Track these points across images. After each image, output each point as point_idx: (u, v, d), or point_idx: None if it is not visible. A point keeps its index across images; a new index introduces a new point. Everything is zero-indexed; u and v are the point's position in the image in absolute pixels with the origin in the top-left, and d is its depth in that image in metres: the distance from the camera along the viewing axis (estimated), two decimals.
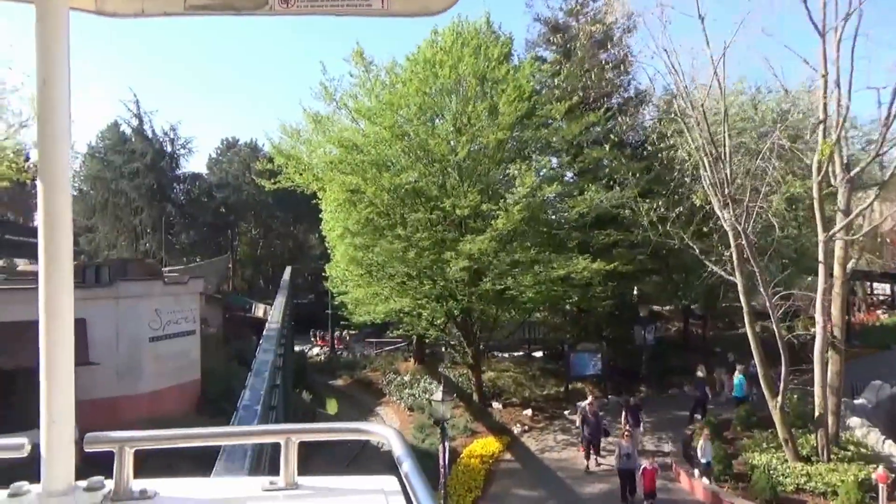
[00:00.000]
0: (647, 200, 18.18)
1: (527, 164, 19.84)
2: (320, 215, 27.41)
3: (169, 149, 52.82)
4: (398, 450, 1.53)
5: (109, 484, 1.54)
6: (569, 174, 25.22)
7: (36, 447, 1.48)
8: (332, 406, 24.01)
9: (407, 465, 1.45)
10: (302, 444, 1.73)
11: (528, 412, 23.42)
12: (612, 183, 22.25)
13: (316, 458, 15.97)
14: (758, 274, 15.24)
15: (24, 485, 1.47)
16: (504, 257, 19.73)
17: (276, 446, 1.75)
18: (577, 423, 19.04)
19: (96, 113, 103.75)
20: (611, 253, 22.49)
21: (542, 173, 21.32)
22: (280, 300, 37.56)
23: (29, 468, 1.49)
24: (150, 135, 51.57)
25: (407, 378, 29.24)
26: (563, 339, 26.62)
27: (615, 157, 22.57)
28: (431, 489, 1.36)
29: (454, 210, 20.21)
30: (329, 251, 28.27)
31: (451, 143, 21.19)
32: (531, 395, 25.69)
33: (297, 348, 42.26)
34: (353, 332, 36.53)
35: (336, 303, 27.44)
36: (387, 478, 1.72)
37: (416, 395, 26.38)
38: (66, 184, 1.46)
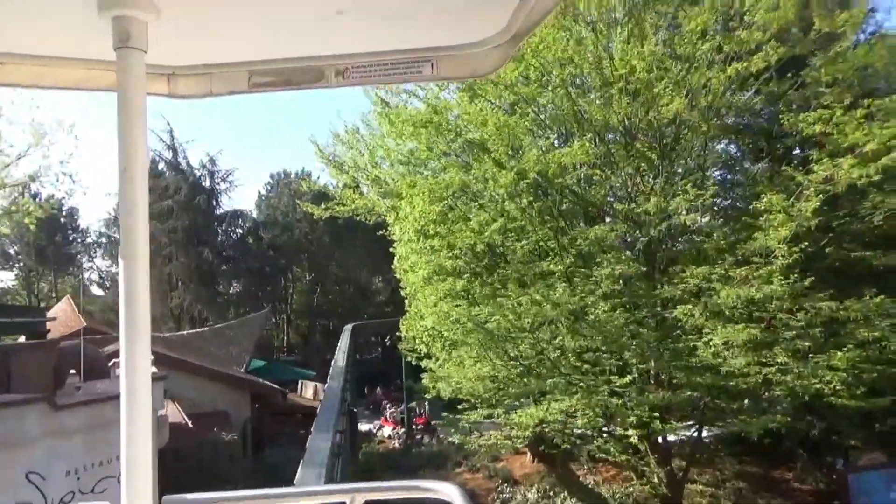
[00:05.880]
0: None
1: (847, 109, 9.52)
2: (391, 248, 17.79)
3: (207, 184, 44.90)
4: None
5: None
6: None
7: None
8: None
9: None
10: None
11: None
12: None
13: None
14: None
15: None
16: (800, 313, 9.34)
17: None
18: None
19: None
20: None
21: None
22: (338, 369, 28.78)
23: None
24: (184, 167, 43.85)
25: (531, 495, 18.85)
26: (833, 444, 15.50)
27: None
28: None
29: (659, 220, 10.23)
30: (405, 299, 18.44)
31: (631, 100, 11.37)
32: None
33: (362, 426, 32.72)
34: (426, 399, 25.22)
35: (430, 392, 17.12)
36: None
37: None
38: (145, 264, 1.48)
